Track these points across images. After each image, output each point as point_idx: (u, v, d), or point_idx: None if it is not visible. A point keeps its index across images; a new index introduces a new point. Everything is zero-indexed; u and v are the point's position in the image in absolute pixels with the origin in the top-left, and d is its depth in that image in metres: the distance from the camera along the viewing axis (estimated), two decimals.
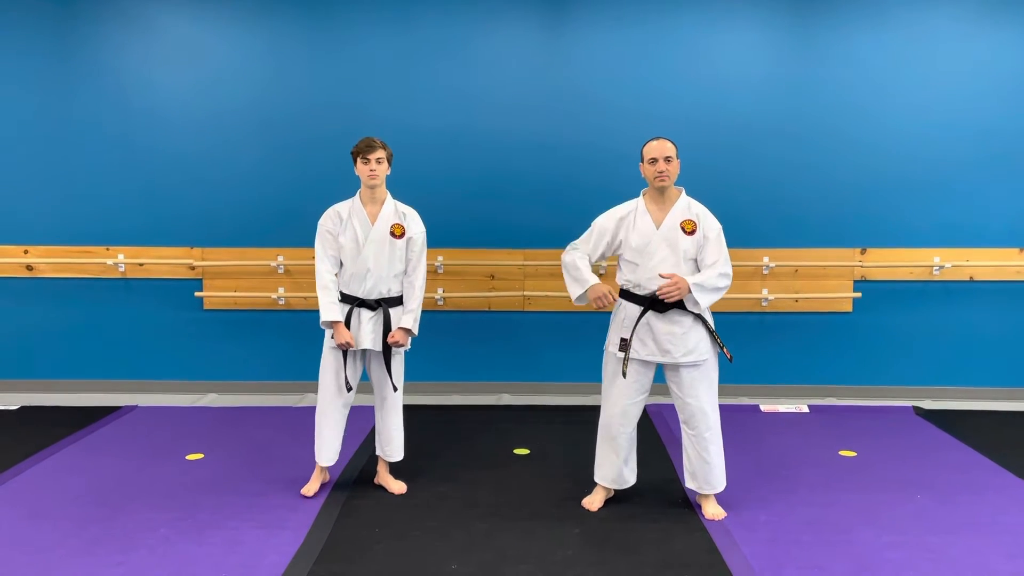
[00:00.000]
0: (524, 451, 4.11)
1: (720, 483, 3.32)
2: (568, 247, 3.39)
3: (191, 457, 3.99)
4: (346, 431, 3.61)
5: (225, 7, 4.90)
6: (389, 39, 4.90)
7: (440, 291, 5.04)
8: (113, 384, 5.11)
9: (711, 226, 3.23)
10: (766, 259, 4.97)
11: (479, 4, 4.88)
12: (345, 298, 3.44)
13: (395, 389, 3.53)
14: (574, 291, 3.31)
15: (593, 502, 3.40)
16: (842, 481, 3.68)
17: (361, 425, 4.27)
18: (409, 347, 3.55)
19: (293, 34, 4.90)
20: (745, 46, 4.88)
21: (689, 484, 3.36)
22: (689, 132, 4.58)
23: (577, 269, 3.30)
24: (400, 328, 3.45)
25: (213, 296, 5.06)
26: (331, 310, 3.38)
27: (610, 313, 3.44)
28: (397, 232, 3.43)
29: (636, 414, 3.35)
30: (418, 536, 3.11)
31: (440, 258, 4.99)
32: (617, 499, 3.46)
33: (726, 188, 4.83)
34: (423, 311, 3.60)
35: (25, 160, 4.98)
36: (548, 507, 3.39)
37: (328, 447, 3.51)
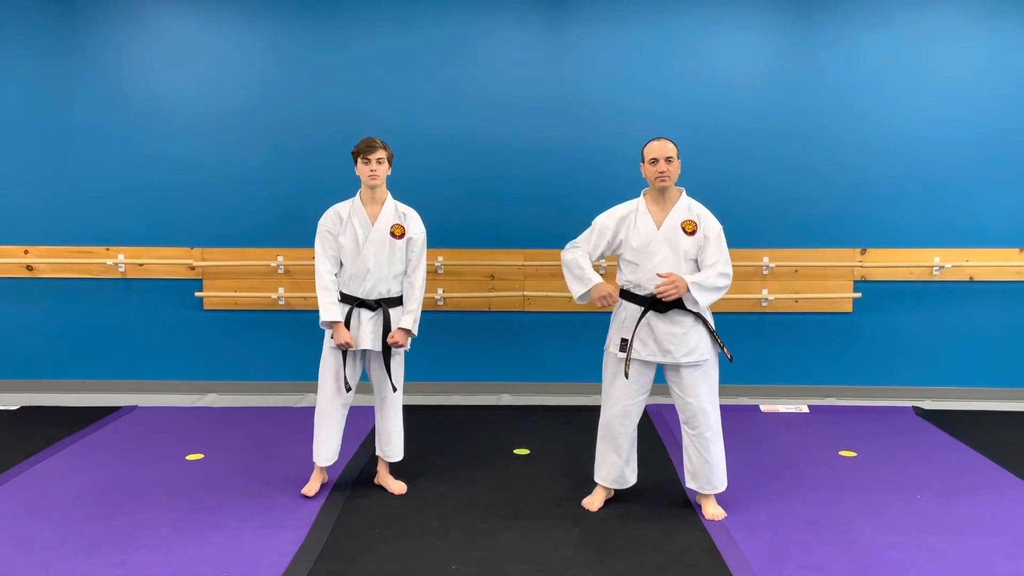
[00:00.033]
0: (524, 451, 4.11)
1: (721, 483, 3.32)
2: (568, 245, 3.38)
3: (191, 457, 3.98)
4: (346, 431, 3.61)
5: (225, 7, 4.91)
6: (389, 39, 4.90)
7: (440, 291, 5.04)
8: (113, 384, 5.11)
9: (711, 226, 3.23)
10: (766, 259, 4.97)
11: (479, 5, 4.88)
12: (345, 298, 3.44)
13: (395, 389, 3.53)
14: (577, 289, 3.30)
15: (593, 502, 3.40)
16: (842, 481, 3.68)
17: (361, 425, 4.27)
18: (409, 347, 3.55)
19: (293, 34, 4.91)
20: (745, 47, 4.89)
21: (690, 484, 3.36)
22: (689, 132, 4.58)
23: (580, 268, 3.29)
24: (400, 328, 3.45)
25: (213, 296, 5.06)
26: (331, 310, 3.38)
27: (610, 313, 3.44)
28: (397, 232, 3.43)
29: (637, 414, 3.35)
30: (418, 536, 3.11)
31: (440, 258, 4.99)
32: (617, 499, 3.46)
33: (726, 188, 4.83)
34: (423, 311, 3.60)
35: (25, 160, 4.98)
36: (548, 507, 3.39)
37: (327, 447, 3.51)
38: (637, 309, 3.24)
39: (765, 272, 4.99)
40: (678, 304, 3.19)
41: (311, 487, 3.51)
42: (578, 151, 4.93)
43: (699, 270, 3.23)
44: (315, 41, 4.91)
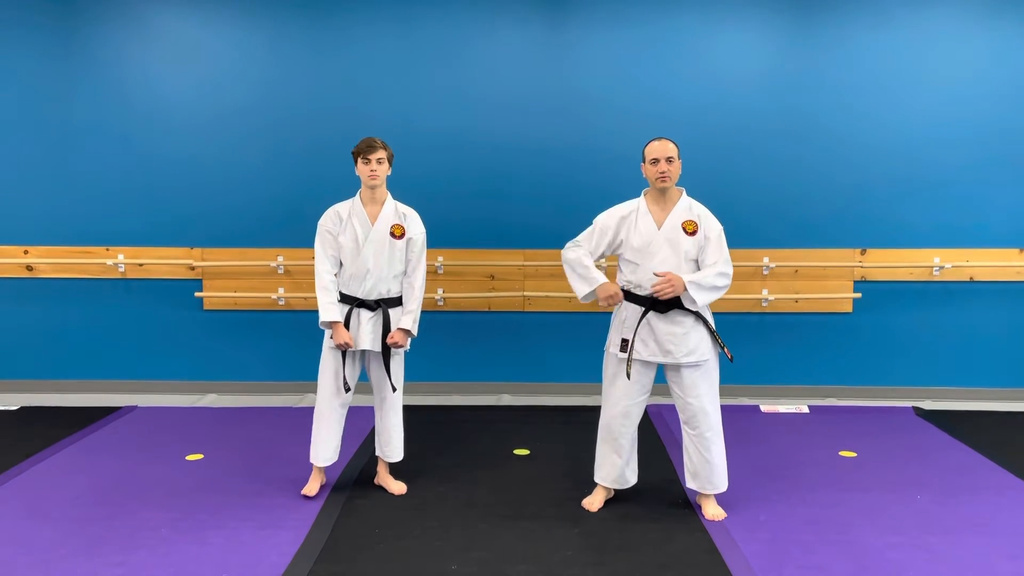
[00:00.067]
0: (524, 451, 4.11)
1: (722, 483, 3.32)
2: (569, 244, 3.37)
3: (191, 457, 3.98)
4: (346, 431, 3.61)
5: (225, 7, 4.90)
6: (389, 40, 4.90)
7: (440, 291, 5.04)
8: (113, 384, 5.11)
9: (712, 227, 3.24)
10: (766, 259, 4.97)
11: (479, 5, 4.88)
12: (344, 298, 3.44)
13: (394, 390, 3.53)
14: (581, 289, 3.29)
15: (593, 502, 3.40)
16: (842, 481, 3.68)
17: (361, 425, 4.27)
18: (408, 348, 3.55)
19: (294, 35, 4.91)
20: (745, 47, 4.89)
21: (690, 484, 3.36)
22: (689, 132, 4.57)
23: (584, 267, 3.29)
24: (399, 329, 3.44)
25: (213, 296, 5.06)
26: (330, 310, 3.38)
27: (610, 313, 3.44)
28: (397, 233, 3.43)
29: (638, 414, 3.35)
30: (418, 536, 3.11)
31: (440, 258, 4.99)
32: (617, 499, 3.46)
33: (726, 188, 4.83)
34: (423, 311, 3.60)
35: (25, 160, 4.98)
36: (548, 507, 3.39)
37: (325, 447, 3.51)
38: (637, 309, 3.24)
39: (765, 272, 4.99)
40: (679, 304, 3.19)
41: (310, 488, 3.51)
42: (578, 151, 4.93)
43: (699, 270, 3.23)
44: (315, 41, 4.91)
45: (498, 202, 4.98)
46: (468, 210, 4.98)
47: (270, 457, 3.98)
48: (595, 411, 3.53)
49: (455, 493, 3.55)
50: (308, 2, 4.89)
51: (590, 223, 3.36)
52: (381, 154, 3.36)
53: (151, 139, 4.96)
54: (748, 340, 4.99)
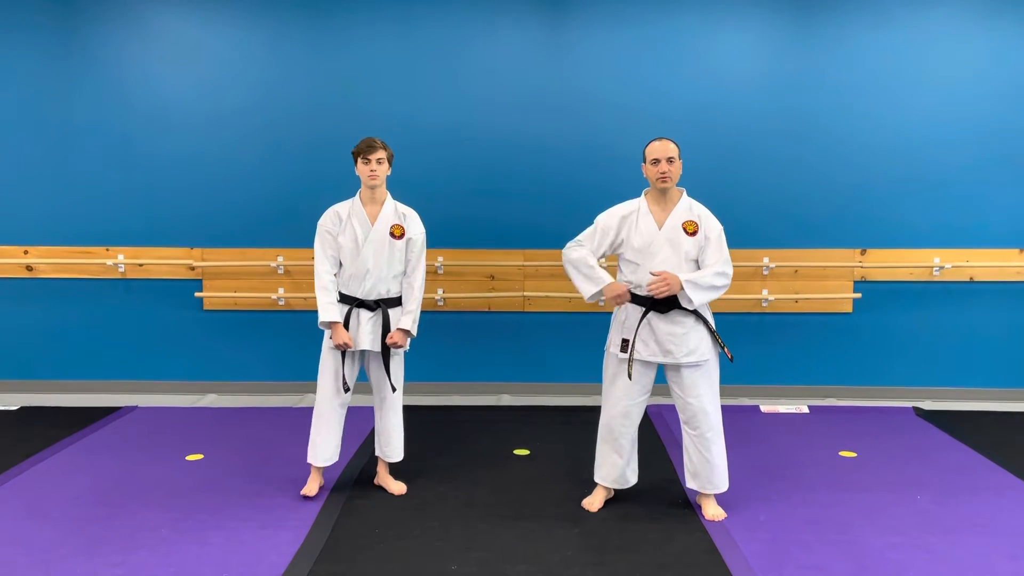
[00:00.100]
0: (524, 451, 4.11)
1: (723, 483, 3.32)
2: (571, 244, 3.36)
3: (191, 457, 3.98)
4: (345, 431, 3.60)
5: (225, 7, 4.91)
6: (389, 40, 4.90)
7: (440, 291, 5.04)
8: (113, 384, 5.11)
9: (712, 227, 3.24)
10: (766, 259, 4.97)
11: (479, 5, 4.88)
12: (344, 298, 3.44)
13: (394, 390, 3.53)
14: (588, 289, 3.28)
15: (593, 503, 3.40)
16: (842, 481, 3.68)
17: (361, 426, 4.27)
18: (408, 348, 3.54)
19: (293, 34, 4.91)
20: (745, 47, 4.89)
21: (690, 484, 3.36)
22: (689, 132, 4.58)
23: (589, 267, 3.28)
24: (399, 329, 3.44)
25: (213, 296, 5.06)
26: (330, 311, 3.38)
27: (610, 313, 3.44)
28: (397, 233, 3.43)
29: (638, 415, 3.35)
30: (418, 536, 3.11)
31: (440, 258, 4.99)
32: (617, 499, 3.46)
33: (726, 188, 4.83)
34: (423, 311, 3.60)
35: (25, 160, 4.98)
36: (548, 507, 3.39)
37: (324, 447, 3.50)
38: (638, 309, 3.24)
39: (765, 272, 4.99)
40: (679, 304, 3.19)
41: (310, 488, 3.50)
42: (578, 150, 4.93)
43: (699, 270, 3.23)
44: (315, 41, 4.91)
45: (498, 202, 4.98)
46: (468, 210, 4.98)
47: (270, 457, 3.98)
48: (595, 411, 3.53)
49: (455, 493, 3.55)
50: (308, 2, 4.89)
51: (590, 223, 3.36)
52: (381, 154, 3.36)
53: (151, 139, 4.96)
54: (748, 340, 4.99)
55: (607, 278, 3.25)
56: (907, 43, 4.84)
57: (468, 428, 4.47)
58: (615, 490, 3.46)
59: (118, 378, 5.13)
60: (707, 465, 3.28)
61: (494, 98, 4.93)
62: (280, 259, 5.01)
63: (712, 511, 3.29)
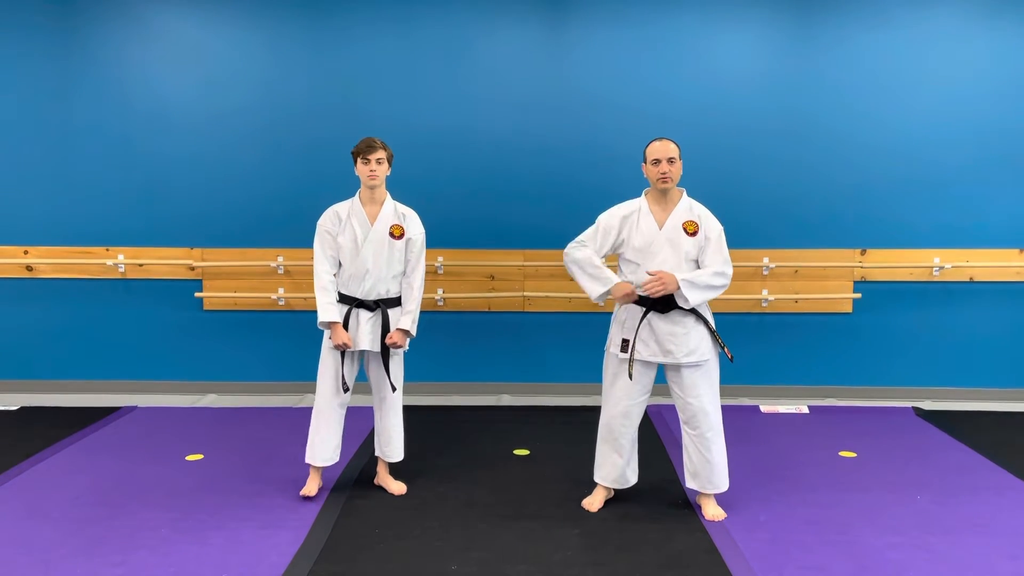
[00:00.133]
0: (524, 451, 4.11)
1: (723, 483, 3.31)
2: (573, 244, 3.35)
3: (191, 457, 3.98)
4: (345, 431, 3.60)
5: (225, 7, 4.91)
6: (389, 40, 4.90)
7: (440, 292, 5.04)
8: (113, 384, 5.11)
9: (712, 227, 3.23)
10: (766, 259, 4.97)
11: (479, 5, 4.88)
12: (344, 299, 3.44)
13: (394, 390, 3.53)
14: (595, 289, 3.26)
15: (593, 503, 3.40)
16: (842, 482, 3.68)
17: (361, 426, 4.27)
18: (407, 348, 3.54)
19: (293, 35, 4.91)
20: (745, 47, 4.89)
21: (691, 484, 3.36)
22: (689, 132, 4.57)
23: (595, 267, 3.27)
24: (398, 329, 3.44)
25: (213, 296, 5.06)
26: (329, 311, 3.38)
27: (610, 313, 3.44)
28: (396, 233, 3.43)
29: (638, 415, 3.35)
30: (418, 536, 3.11)
31: (440, 258, 4.99)
32: (617, 499, 3.45)
33: (726, 188, 4.83)
34: (423, 312, 3.60)
35: (25, 160, 4.98)
36: (548, 507, 3.39)
37: (324, 447, 3.49)
38: (638, 309, 3.24)
39: (765, 272, 4.99)
40: (679, 304, 3.19)
41: (309, 488, 3.50)
42: (578, 150, 4.93)
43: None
44: (315, 41, 4.91)
45: (498, 202, 4.98)
46: (468, 210, 4.98)
47: (270, 457, 3.98)
48: (595, 411, 3.53)
49: (455, 493, 3.54)
50: (308, 2, 4.89)
51: (590, 223, 3.35)
52: (381, 154, 3.36)
53: (151, 139, 4.96)
54: (748, 340, 4.99)
55: (614, 278, 3.24)
56: (907, 43, 4.84)
57: (468, 428, 4.47)
58: (615, 490, 3.46)
59: (118, 378, 5.13)
60: (707, 465, 3.28)
61: (494, 98, 4.93)
62: (280, 259, 5.01)
63: (712, 511, 3.29)
